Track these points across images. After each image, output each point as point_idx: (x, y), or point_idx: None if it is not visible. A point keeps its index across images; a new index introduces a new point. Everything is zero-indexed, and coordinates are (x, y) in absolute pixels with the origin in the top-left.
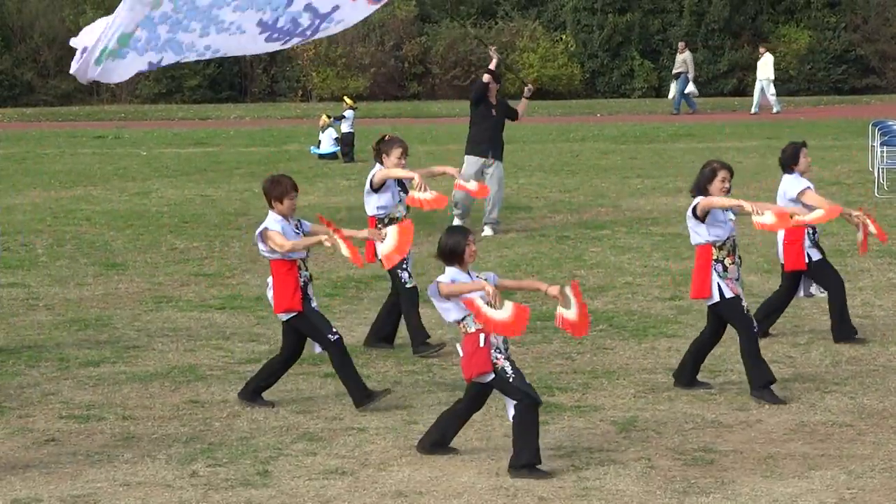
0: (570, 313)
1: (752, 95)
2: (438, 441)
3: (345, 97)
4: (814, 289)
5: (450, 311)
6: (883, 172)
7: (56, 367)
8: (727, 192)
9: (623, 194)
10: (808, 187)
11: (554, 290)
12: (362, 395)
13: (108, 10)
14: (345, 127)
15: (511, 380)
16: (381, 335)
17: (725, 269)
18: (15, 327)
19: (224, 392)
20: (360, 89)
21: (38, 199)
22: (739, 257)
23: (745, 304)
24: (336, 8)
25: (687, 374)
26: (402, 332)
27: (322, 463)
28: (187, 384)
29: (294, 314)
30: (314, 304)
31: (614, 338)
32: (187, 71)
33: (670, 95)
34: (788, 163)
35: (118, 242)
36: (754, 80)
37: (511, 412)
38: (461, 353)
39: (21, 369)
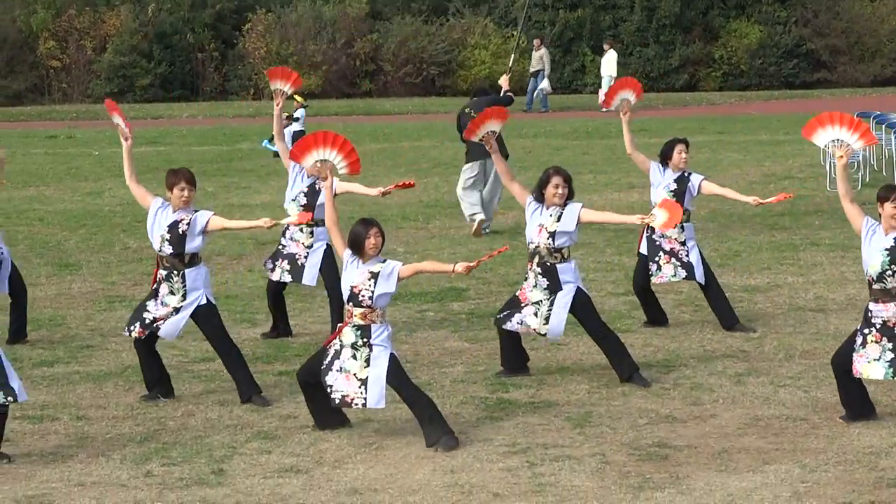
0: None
1: (699, 90)
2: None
3: (296, 95)
4: None
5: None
6: (834, 166)
7: None
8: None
9: (575, 190)
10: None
11: (461, 267)
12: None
13: (59, 10)
14: (296, 125)
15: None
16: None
17: None
18: None
19: (178, 391)
20: (312, 87)
21: None
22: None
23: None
24: None
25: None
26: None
27: (277, 461)
28: (141, 383)
29: None
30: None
31: (568, 333)
32: (139, 70)
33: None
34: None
35: (71, 242)
36: (706, 75)
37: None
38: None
39: None
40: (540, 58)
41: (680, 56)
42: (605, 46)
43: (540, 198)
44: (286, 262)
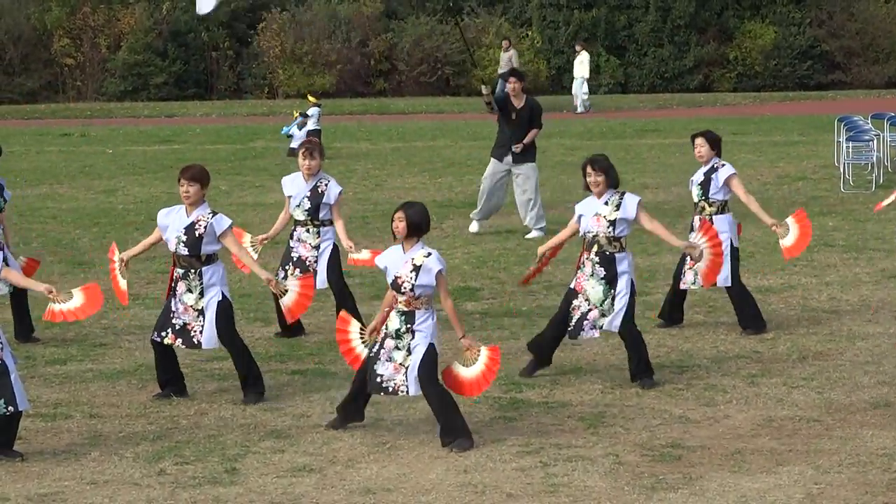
0: (468, 371)
1: (713, 91)
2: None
3: (308, 94)
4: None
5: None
6: (848, 167)
7: (23, 365)
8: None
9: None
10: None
11: (466, 342)
12: (170, 387)
13: (74, 8)
14: (311, 124)
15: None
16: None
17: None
18: None
19: (191, 389)
20: (326, 86)
21: None
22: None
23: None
24: None
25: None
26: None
27: (290, 460)
28: (154, 382)
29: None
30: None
31: None
32: (153, 68)
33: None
34: None
35: (84, 241)
36: (721, 76)
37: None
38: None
39: None
40: (509, 59)
41: (694, 57)
42: (577, 48)
43: (587, 188)
44: (298, 269)
